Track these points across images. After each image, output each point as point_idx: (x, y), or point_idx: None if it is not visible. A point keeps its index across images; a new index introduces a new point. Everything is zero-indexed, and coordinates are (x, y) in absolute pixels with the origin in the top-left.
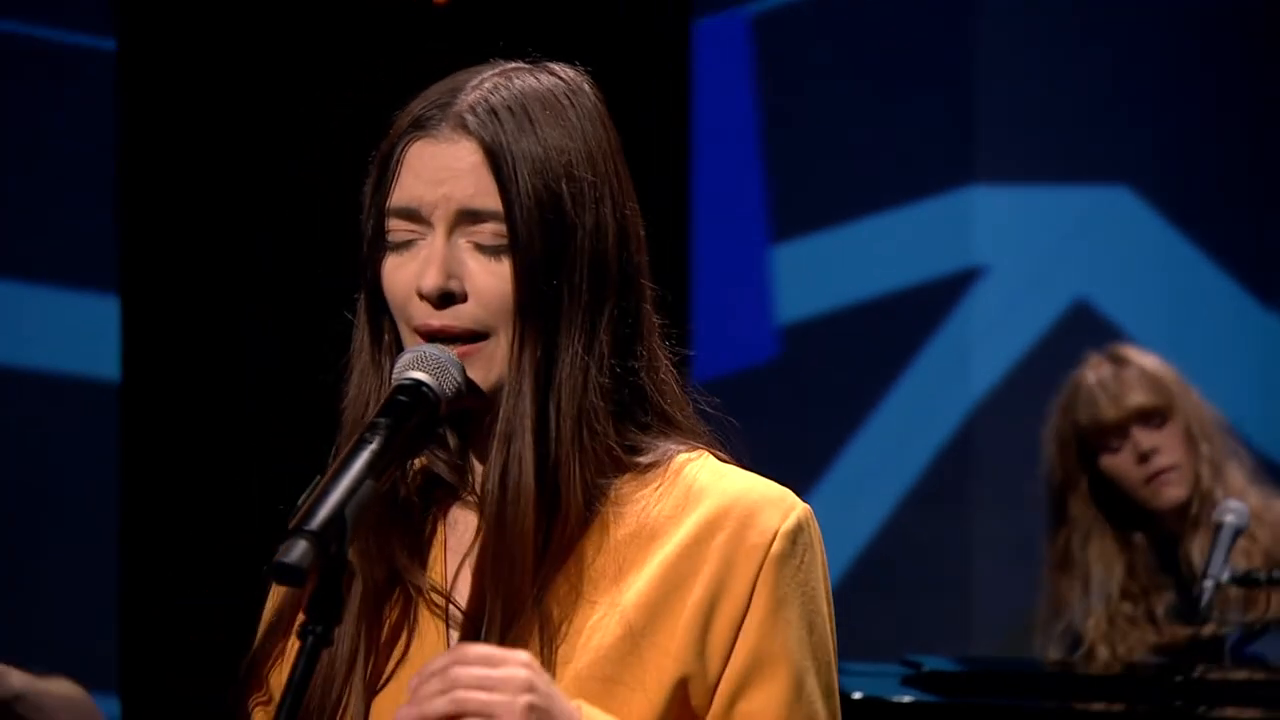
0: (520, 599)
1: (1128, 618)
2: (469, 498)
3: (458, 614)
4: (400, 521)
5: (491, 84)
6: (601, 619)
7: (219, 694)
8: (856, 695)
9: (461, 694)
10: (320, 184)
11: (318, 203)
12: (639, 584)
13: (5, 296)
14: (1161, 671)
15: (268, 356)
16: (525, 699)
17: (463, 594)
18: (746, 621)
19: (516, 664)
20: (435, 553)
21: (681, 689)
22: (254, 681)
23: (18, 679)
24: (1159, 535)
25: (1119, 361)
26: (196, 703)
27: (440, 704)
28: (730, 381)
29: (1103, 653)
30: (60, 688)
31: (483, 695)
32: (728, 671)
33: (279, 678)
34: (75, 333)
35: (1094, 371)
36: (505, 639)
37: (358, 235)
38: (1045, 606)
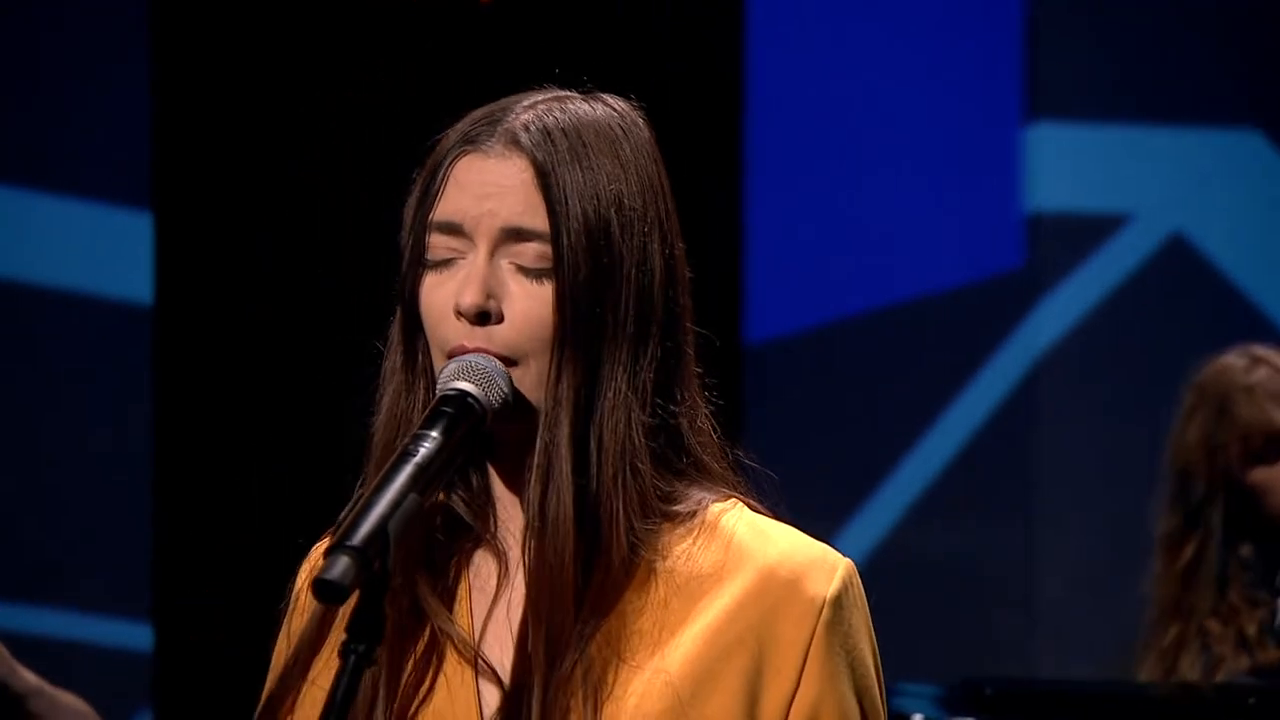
0: (563, 641)
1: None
2: (490, 540)
3: (487, 660)
4: (425, 560)
5: (545, 106)
6: (647, 683)
7: (251, 619)
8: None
9: None
10: (359, 105)
11: (359, 124)
12: (684, 648)
13: (37, 209)
14: (1256, 694)
15: (303, 276)
16: None
17: (490, 640)
18: (797, 702)
19: None
20: (461, 595)
21: None
22: None
23: (33, 678)
24: (1273, 552)
25: (1269, 364)
26: (231, 636)
27: None
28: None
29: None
30: (68, 698)
31: None
32: None
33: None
34: (107, 252)
35: (1249, 373)
36: (549, 686)
37: (395, 253)
38: (1158, 621)
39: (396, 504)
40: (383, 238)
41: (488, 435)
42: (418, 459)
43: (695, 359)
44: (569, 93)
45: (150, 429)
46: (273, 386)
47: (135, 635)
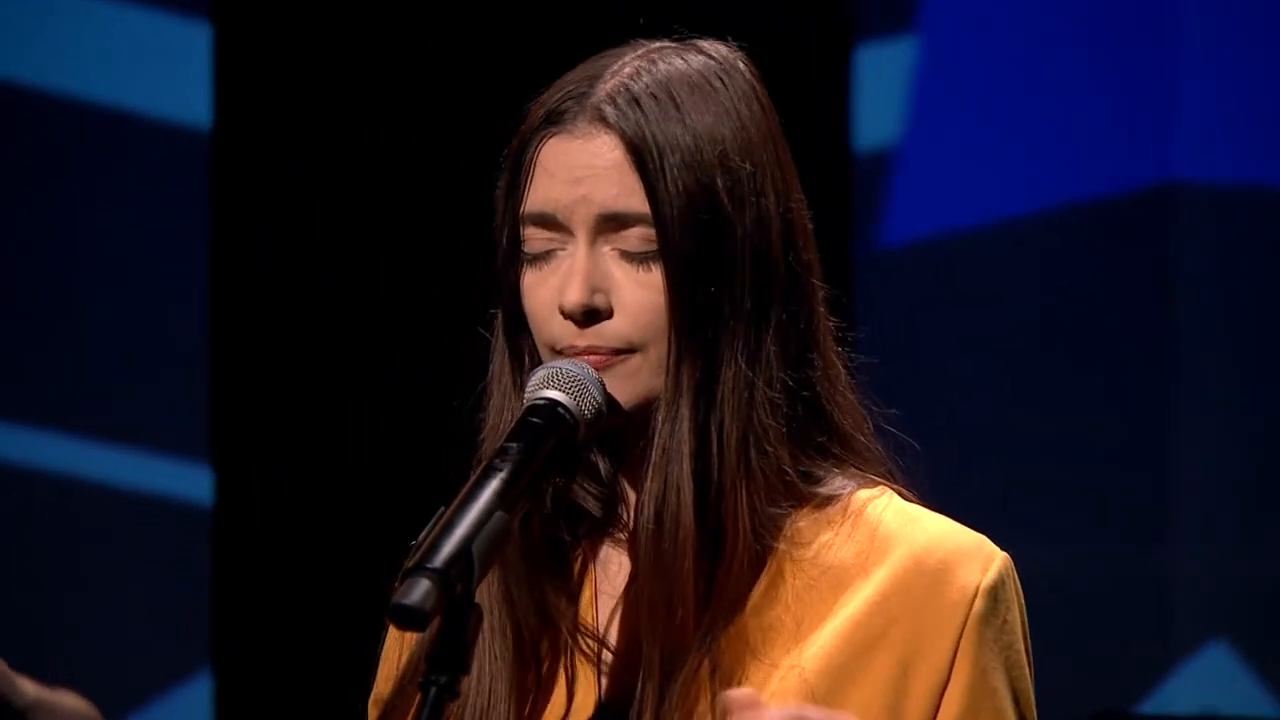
0: (681, 648)
1: None
2: (619, 534)
3: (612, 663)
4: (550, 560)
5: (632, 68)
6: (780, 681)
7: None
8: None
9: None
10: None
11: None
12: (821, 643)
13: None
14: None
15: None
16: None
17: (617, 641)
18: (947, 696)
19: None
20: (586, 595)
21: None
22: None
23: (31, 689)
24: None
25: None
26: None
27: None
28: None
29: None
30: (70, 701)
31: None
32: None
33: None
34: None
35: None
36: (666, 693)
37: (491, 244)
38: None
39: (481, 523)
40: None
41: (583, 445)
42: (504, 474)
43: (827, 314)
44: (661, 43)
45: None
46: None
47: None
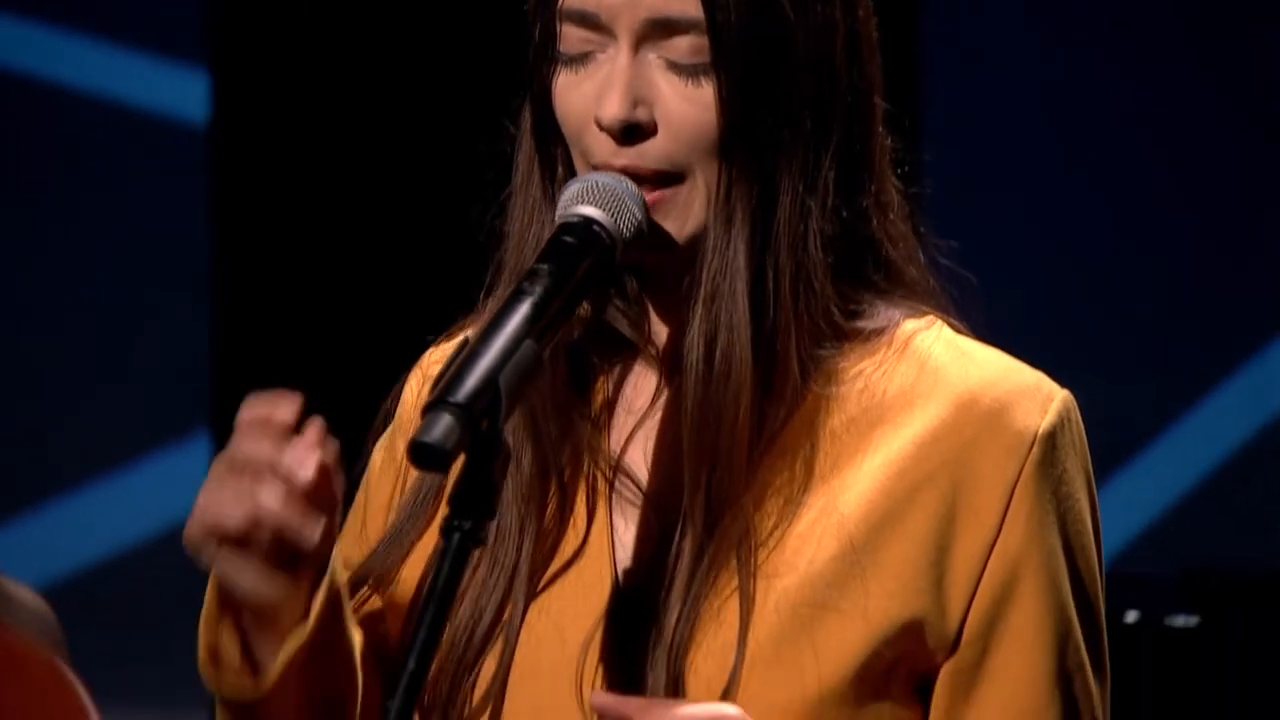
0: (731, 498)
1: None
2: (654, 367)
3: (642, 506)
4: (577, 389)
5: None
6: (813, 526)
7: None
8: (1130, 618)
9: None
10: None
11: None
12: (859, 486)
13: None
14: None
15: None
16: None
17: (646, 475)
18: (996, 552)
19: None
20: (616, 431)
21: (912, 630)
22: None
23: None
24: None
25: None
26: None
27: None
28: None
29: None
30: (26, 595)
31: None
32: (973, 614)
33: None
34: None
35: None
36: (706, 546)
37: (523, 39)
38: None
39: (509, 353)
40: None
41: (621, 268)
42: (534, 299)
43: (885, 136)
44: None
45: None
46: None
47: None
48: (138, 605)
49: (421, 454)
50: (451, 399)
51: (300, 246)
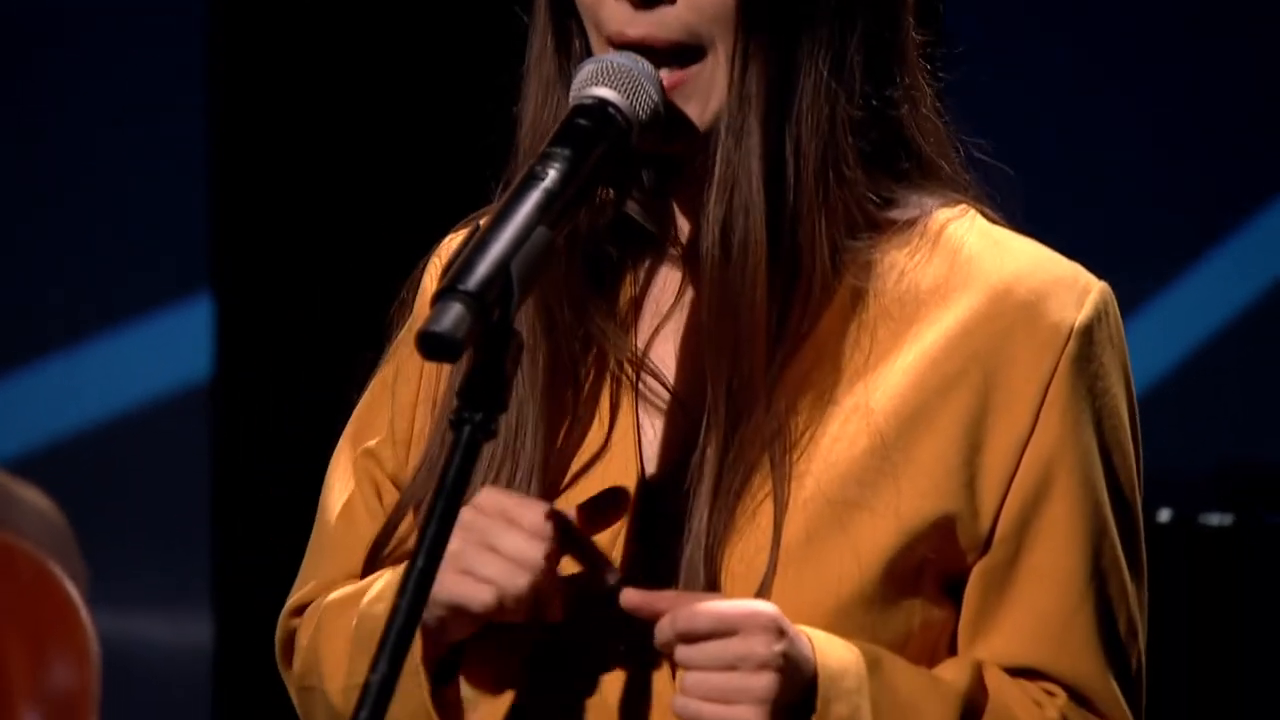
0: (752, 392)
1: None
2: (673, 257)
3: (668, 405)
4: (594, 280)
5: None
6: (844, 424)
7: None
8: (1163, 516)
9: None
10: None
11: None
12: (891, 381)
13: None
14: None
15: None
16: (773, 669)
17: (671, 372)
18: (1030, 449)
19: (755, 627)
20: (636, 324)
21: (944, 529)
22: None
23: None
24: None
25: None
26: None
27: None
28: None
29: None
30: (33, 495)
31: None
32: (1005, 513)
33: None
34: None
35: None
36: (731, 440)
37: None
38: None
39: (521, 239)
40: None
41: (637, 153)
42: (546, 184)
43: (915, 27)
44: None
45: None
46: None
47: None
48: (132, 473)
49: (430, 344)
50: (461, 287)
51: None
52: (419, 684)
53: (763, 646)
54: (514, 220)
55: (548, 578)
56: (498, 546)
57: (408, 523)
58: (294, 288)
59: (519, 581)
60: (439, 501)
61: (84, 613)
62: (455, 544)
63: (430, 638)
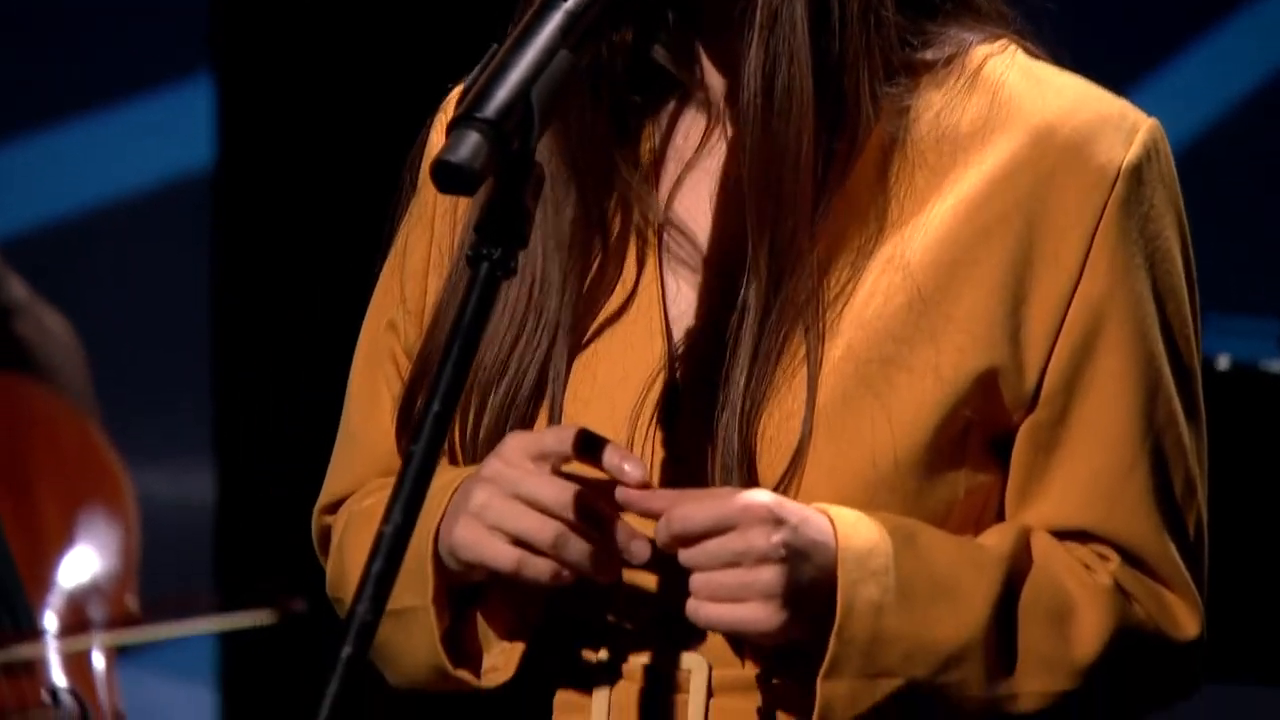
0: (796, 249)
1: None
2: (700, 101)
3: (697, 261)
4: (619, 124)
5: None
6: (880, 279)
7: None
8: (1222, 363)
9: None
10: None
11: None
12: (929, 231)
13: None
14: None
15: None
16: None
17: (700, 227)
18: (1078, 298)
19: (753, 518)
20: (664, 176)
21: (987, 386)
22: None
23: (23, 292)
24: None
25: None
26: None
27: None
28: None
29: None
30: (56, 319)
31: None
32: (1053, 368)
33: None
34: None
35: None
36: (773, 298)
37: None
38: None
39: (541, 65)
40: None
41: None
42: (568, 5)
43: None
44: None
45: None
46: None
47: None
48: (128, 256)
49: (446, 174)
50: (479, 115)
51: None
52: (429, 622)
53: (761, 539)
54: (534, 44)
55: (580, 530)
56: (528, 497)
57: None
58: (297, 72)
59: (546, 538)
60: (455, 343)
61: (126, 479)
62: (482, 496)
63: (445, 575)
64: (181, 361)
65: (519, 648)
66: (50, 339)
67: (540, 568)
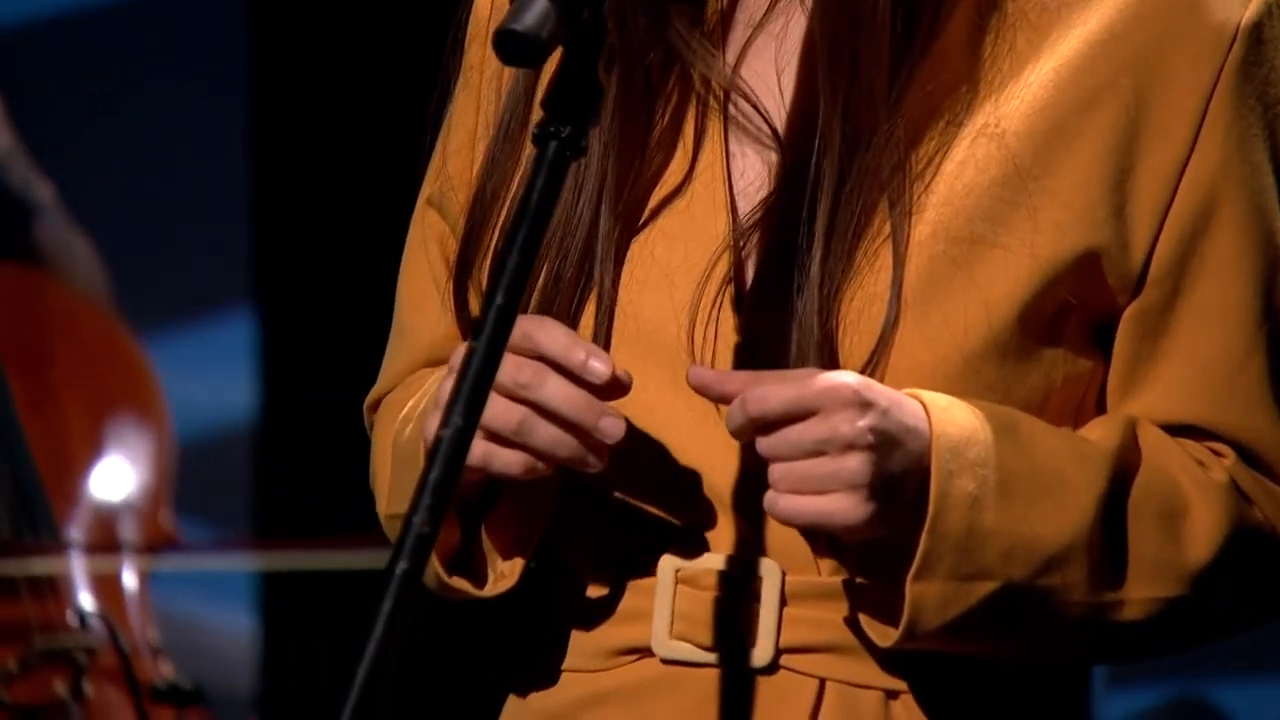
0: (873, 112)
1: None
2: None
3: (766, 131)
4: None
5: None
6: (972, 148)
7: None
8: None
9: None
10: None
11: None
12: (1027, 97)
13: None
14: None
15: None
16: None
17: (769, 98)
18: (1189, 172)
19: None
20: (722, 36)
21: (1089, 266)
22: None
23: (46, 192)
24: None
25: None
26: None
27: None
28: None
29: None
30: (85, 249)
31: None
32: (1161, 248)
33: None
34: None
35: None
36: (849, 170)
37: None
38: None
39: None
40: None
41: None
42: None
43: None
44: None
45: None
46: None
47: None
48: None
49: (509, 44)
50: None
51: None
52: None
53: (846, 424)
54: None
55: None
56: (539, 401)
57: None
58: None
59: (509, 425)
60: (519, 228)
61: (158, 386)
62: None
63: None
64: (222, 269)
65: (519, 563)
66: (75, 243)
67: (507, 459)
